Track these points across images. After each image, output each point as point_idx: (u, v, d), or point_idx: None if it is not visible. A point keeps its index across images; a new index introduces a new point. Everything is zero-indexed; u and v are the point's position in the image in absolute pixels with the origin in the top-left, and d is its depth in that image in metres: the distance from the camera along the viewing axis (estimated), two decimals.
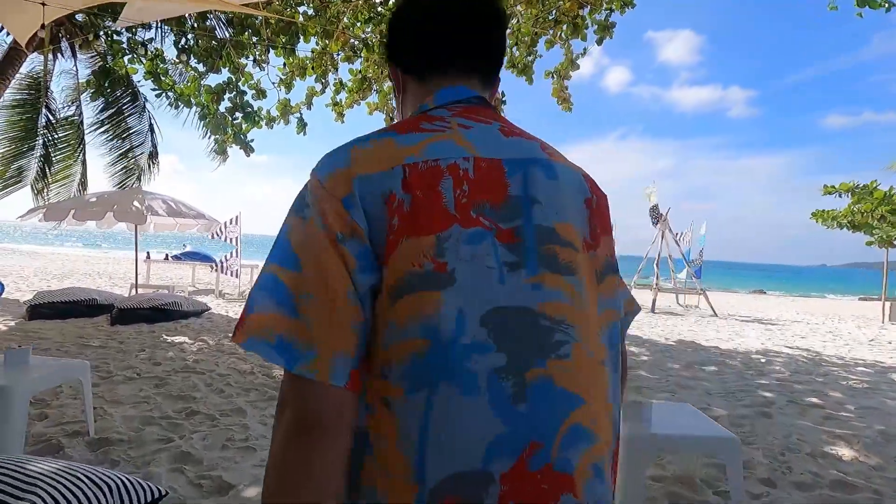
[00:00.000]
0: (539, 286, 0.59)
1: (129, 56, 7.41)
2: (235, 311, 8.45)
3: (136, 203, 6.74)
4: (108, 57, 7.68)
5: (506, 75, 10.48)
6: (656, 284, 13.61)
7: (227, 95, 8.18)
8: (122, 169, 7.81)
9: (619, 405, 0.67)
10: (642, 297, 16.61)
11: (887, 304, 13.45)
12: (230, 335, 5.76)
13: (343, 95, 10.24)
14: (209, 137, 8.34)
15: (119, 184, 7.80)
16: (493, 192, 0.61)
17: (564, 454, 0.57)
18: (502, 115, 0.73)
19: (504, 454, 0.54)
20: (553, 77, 9.96)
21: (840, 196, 11.78)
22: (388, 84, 10.53)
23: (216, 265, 10.91)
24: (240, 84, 8.23)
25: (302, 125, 9.24)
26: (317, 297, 0.54)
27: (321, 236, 0.56)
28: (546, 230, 0.62)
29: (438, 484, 0.53)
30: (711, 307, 13.46)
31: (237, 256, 10.98)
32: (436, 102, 0.70)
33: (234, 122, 8.38)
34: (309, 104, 9.54)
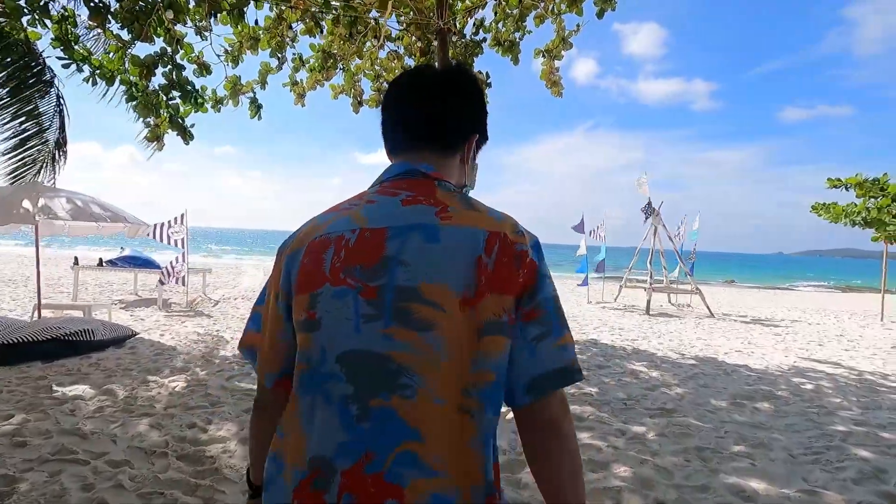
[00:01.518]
0: (390, 337, 0.75)
1: (29, 17, 5.73)
2: (176, 332, 6.98)
3: (26, 203, 5.20)
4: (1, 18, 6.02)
5: (490, 54, 9.24)
6: (650, 284, 12.71)
7: (160, 70, 6.60)
8: (16, 159, 6.20)
9: (489, 453, 0.77)
10: (636, 296, 15.87)
11: (886, 299, 12.94)
12: (151, 377, 4.35)
13: (304, 75, 8.80)
14: (139, 121, 6.78)
15: (12, 176, 6.18)
16: (368, 257, 0.78)
17: (397, 469, 0.73)
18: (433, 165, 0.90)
19: (346, 456, 0.75)
20: (543, 57, 8.78)
21: (846, 189, 11.10)
22: (355, 63, 9.14)
23: (164, 271, 9.33)
24: (177, 57, 6.66)
25: (256, 108, 7.75)
26: (264, 327, 0.89)
27: (270, 290, 0.89)
28: (407, 290, 0.75)
29: (311, 457, 0.77)
30: (708, 307, 12.68)
31: (184, 261, 9.43)
32: (381, 177, 0.91)
33: (171, 102, 6.83)
34: (263, 83, 8.06)
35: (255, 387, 1.33)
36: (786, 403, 4.71)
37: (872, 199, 10.34)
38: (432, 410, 0.74)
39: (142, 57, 6.46)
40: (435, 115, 0.88)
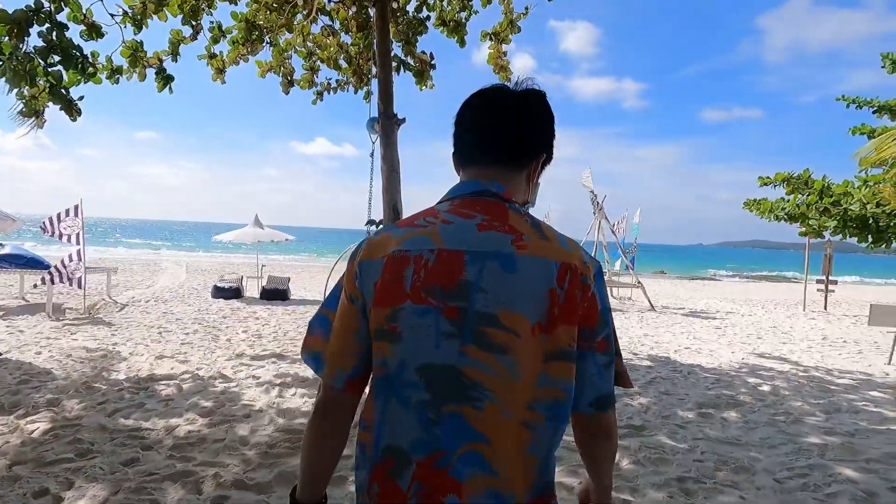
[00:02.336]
0: (466, 354, 0.83)
1: None
2: (59, 348, 5.81)
3: None
4: None
5: (436, 37, 8.61)
6: None
7: (35, 29, 5.37)
8: None
9: (547, 458, 0.86)
10: None
11: (817, 290, 13.67)
12: (1, 418, 3.39)
13: (225, 47, 7.72)
14: (11, 92, 5.51)
15: None
16: (447, 278, 0.84)
17: (460, 467, 0.82)
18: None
19: (420, 450, 0.84)
20: (490, 40, 8.23)
21: (775, 187, 11.47)
22: (285, 37, 8.15)
23: (53, 271, 7.95)
24: (58, 15, 5.44)
25: (164, 79, 6.63)
26: (336, 331, 0.93)
27: (343, 295, 0.93)
28: (486, 315, 0.82)
29: (384, 447, 0.86)
30: (649, 301, 12.83)
31: (79, 259, 8.09)
32: (449, 195, 0.95)
33: (50, 69, 5.62)
34: (174, 54, 6.93)
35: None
36: (751, 411, 4.47)
37: (801, 196, 10.71)
38: (500, 422, 0.83)
39: (10, 12, 5.20)
40: (512, 136, 0.93)
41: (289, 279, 12.59)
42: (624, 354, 6.91)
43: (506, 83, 0.96)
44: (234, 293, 11.70)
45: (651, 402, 4.63)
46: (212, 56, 7.43)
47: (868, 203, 9.42)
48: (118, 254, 29.13)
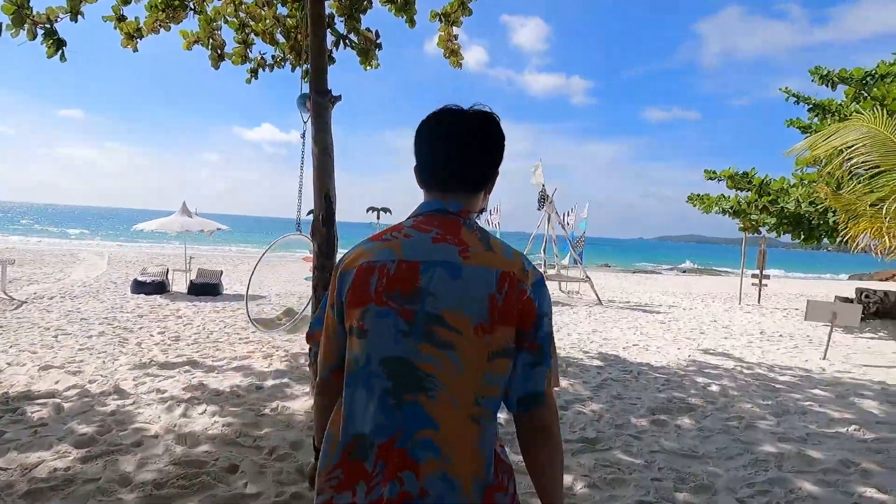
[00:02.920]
0: (419, 351, 0.96)
1: None
2: None
3: None
4: None
5: (385, 17, 8.00)
6: (544, 273, 12.51)
7: None
8: None
9: (490, 454, 0.99)
10: None
11: (752, 285, 14.19)
12: None
13: (142, 12, 6.79)
14: None
15: None
16: (404, 285, 0.98)
17: (417, 450, 0.95)
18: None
19: (382, 433, 0.97)
20: (440, 21, 7.73)
21: (719, 182, 11.73)
22: (213, 6, 7.29)
23: None
24: None
25: (54, 43, 5.67)
26: (324, 327, 1.12)
27: (329, 301, 1.10)
28: (434, 316, 0.96)
29: (352, 434, 1.00)
30: (597, 295, 12.87)
31: None
32: (416, 212, 1.08)
33: None
34: (74, 13, 5.96)
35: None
36: (704, 415, 4.29)
37: (744, 193, 10.98)
38: (450, 411, 0.96)
39: None
40: (475, 169, 1.07)
41: (221, 273, 11.64)
42: (574, 353, 6.72)
43: (461, 106, 1.06)
44: (157, 288, 10.65)
45: (604, 408, 4.35)
46: (120, 18, 6.48)
47: (803, 202, 9.75)
48: (23, 243, 26.38)
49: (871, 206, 6.58)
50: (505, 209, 14.63)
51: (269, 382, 4.61)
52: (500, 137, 1.06)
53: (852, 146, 6.86)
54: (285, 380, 4.71)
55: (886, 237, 6.23)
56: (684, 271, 36.87)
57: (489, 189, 1.10)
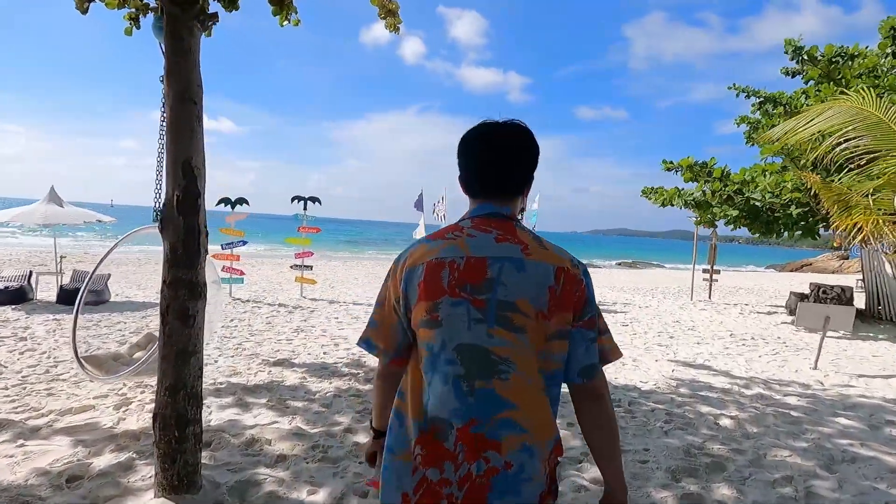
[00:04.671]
0: (492, 336, 1.11)
1: None
2: None
3: None
4: None
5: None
6: None
7: None
8: None
9: (555, 417, 1.16)
10: None
11: (703, 279, 13.75)
12: None
13: None
14: None
15: None
16: (475, 277, 1.12)
17: (495, 430, 1.10)
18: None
19: (458, 418, 1.11)
20: None
21: (676, 172, 11.03)
22: None
23: None
24: None
25: None
26: (381, 323, 1.24)
27: (389, 295, 1.22)
28: (506, 303, 1.11)
29: (430, 417, 1.13)
30: None
31: None
32: (470, 214, 1.23)
33: None
34: None
35: None
36: (741, 477, 3.14)
37: (706, 183, 10.30)
38: (524, 388, 1.12)
39: None
40: (518, 178, 1.23)
41: (109, 276, 9.43)
42: None
43: (497, 120, 1.23)
44: (13, 296, 8.34)
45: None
46: None
47: (772, 192, 9.15)
48: None
49: (869, 194, 5.83)
50: (450, 199, 13.28)
51: (100, 464, 2.93)
52: (536, 147, 1.22)
53: (841, 130, 6.10)
54: (129, 455, 3.05)
55: (887, 229, 5.49)
56: (619, 264, 37.45)
57: (526, 192, 1.26)
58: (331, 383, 4.74)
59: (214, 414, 3.83)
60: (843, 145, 6.05)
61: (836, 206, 6.17)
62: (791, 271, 37.13)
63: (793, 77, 10.78)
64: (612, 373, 5.55)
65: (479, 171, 1.21)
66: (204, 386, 4.31)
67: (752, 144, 11.30)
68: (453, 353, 1.10)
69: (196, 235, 2.56)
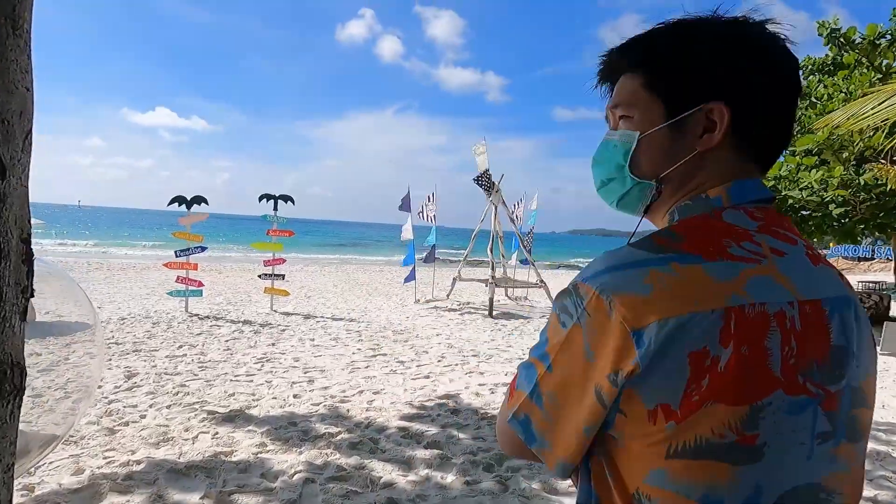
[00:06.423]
0: (834, 458, 0.54)
1: None
2: None
3: None
4: None
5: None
6: (492, 279, 10.00)
7: None
8: None
9: None
10: (472, 290, 13.23)
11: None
12: None
13: None
14: None
15: None
16: (818, 347, 0.52)
17: None
18: None
19: None
20: None
21: None
22: None
23: None
24: None
25: None
26: (560, 404, 0.55)
27: (582, 362, 0.52)
28: (856, 391, 0.55)
29: None
30: (552, 301, 10.64)
31: None
32: (733, 199, 0.57)
33: None
34: None
35: None
36: None
37: None
38: None
39: None
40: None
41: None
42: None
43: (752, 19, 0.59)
44: None
45: None
46: None
47: (814, 190, 8.07)
48: None
49: None
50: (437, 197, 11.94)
51: None
52: None
53: None
54: None
55: None
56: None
57: None
58: (300, 454, 3.34)
59: None
60: None
61: None
62: None
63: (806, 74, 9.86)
64: None
65: (790, 120, 0.60)
66: (112, 468, 2.88)
67: None
68: None
69: None
